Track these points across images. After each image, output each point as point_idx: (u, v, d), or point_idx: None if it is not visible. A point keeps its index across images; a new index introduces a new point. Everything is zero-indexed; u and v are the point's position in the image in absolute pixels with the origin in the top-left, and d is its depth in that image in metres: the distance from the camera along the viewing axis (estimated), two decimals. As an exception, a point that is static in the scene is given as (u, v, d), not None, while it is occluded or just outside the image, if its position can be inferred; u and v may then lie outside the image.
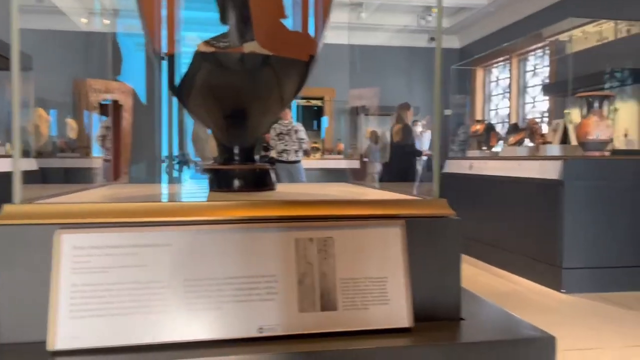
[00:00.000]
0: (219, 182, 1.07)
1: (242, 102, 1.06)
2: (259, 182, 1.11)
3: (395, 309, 0.80)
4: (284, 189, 1.17)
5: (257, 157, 1.14)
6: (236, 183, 1.07)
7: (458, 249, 0.86)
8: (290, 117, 7.06)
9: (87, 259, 0.73)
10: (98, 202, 0.81)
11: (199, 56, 0.97)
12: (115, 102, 8.20)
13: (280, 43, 0.99)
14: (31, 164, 5.93)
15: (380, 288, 0.80)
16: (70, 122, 7.45)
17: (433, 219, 0.86)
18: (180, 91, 1.05)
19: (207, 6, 1.04)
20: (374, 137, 8.25)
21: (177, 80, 1.04)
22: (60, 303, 0.71)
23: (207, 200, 0.83)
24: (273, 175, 1.14)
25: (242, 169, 1.09)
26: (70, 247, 0.73)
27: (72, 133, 7.44)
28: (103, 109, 8.17)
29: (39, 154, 6.45)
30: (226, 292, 0.75)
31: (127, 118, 8.58)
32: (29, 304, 0.73)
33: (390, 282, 0.81)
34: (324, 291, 0.79)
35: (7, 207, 0.75)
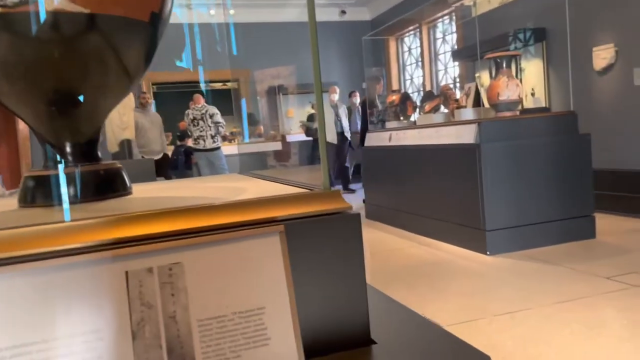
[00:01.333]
0: (42, 194, 0.79)
1: (65, 81, 0.78)
2: (106, 187, 0.84)
3: (279, 349, 0.58)
4: (143, 192, 0.90)
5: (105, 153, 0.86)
6: (69, 192, 0.79)
7: (360, 253, 0.65)
8: (203, 101, 6.65)
9: None
10: None
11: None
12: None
13: (101, -4, 0.72)
14: None
15: (257, 324, 0.58)
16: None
17: (323, 217, 0.64)
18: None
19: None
20: (305, 129, 8.13)
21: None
22: None
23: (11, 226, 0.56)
24: (125, 176, 0.87)
25: (81, 171, 0.81)
26: None
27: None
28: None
29: None
30: (15, 368, 0.49)
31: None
32: None
33: (270, 313, 0.58)
34: (174, 342, 0.55)
35: None
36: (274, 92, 9.52)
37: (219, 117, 6.61)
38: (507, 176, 3.54)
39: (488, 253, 3.50)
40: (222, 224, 0.60)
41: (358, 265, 0.64)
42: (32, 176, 0.81)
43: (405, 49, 9.10)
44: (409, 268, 3.42)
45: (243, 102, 9.81)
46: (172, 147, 7.83)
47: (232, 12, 8.77)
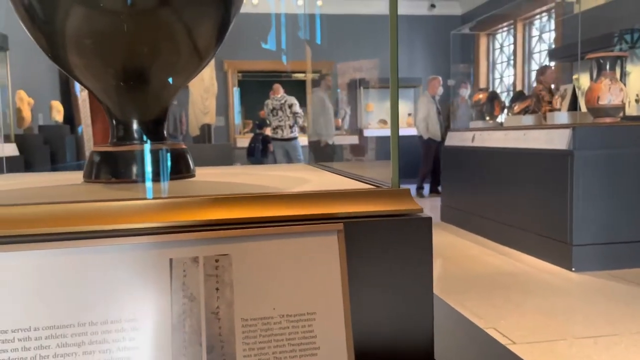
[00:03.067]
0: (106, 169, 0.78)
1: (135, 56, 0.76)
2: (170, 167, 0.81)
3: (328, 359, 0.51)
4: (207, 176, 0.88)
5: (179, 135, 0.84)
6: (134, 170, 0.78)
7: (428, 262, 0.57)
8: (283, 92, 6.74)
9: None
10: None
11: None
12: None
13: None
14: (13, 150, 5.67)
15: (306, 330, 0.52)
16: (55, 104, 7.14)
17: (388, 218, 0.57)
18: (45, 44, 0.76)
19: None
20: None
21: (39, 28, 0.74)
22: None
23: (48, 202, 0.54)
24: (190, 158, 0.85)
25: (142, 151, 0.80)
26: None
27: (57, 116, 7.13)
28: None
29: (20, 138, 6.18)
30: (49, 350, 0.47)
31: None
32: None
33: (322, 319, 0.52)
34: (215, 341, 0.50)
35: None
36: (355, 85, 9.45)
37: (297, 108, 6.67)
38: (601, 187, 3.24)
39: (573, 269, 3.23)
40: (276, 216, 0.55)
41: (425, 276, 0.56)
42: (98, 151, 0.80)
43: (497, 46, 8.66)
44: (483, 277, 3.24)
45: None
46: (250, 135, 8.02)
47: (319, 2, 8.79)
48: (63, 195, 0.67)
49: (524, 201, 3.73)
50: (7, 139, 5.78)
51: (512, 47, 8.02)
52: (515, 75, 7.89)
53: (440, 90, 6.76)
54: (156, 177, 0.78)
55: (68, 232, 0.51)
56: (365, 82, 9.48)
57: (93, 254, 0.49)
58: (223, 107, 8.84)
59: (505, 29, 8.20)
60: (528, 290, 2.94)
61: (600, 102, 3.56)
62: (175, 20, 0.75)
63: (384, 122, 9.51)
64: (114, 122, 0.82)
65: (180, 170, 0.83)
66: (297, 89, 9.08)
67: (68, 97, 7.82)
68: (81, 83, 0.81)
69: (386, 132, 7.54)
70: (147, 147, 0.81)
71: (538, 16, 7.49)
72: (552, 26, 7.20)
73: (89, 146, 7.96)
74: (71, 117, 7.69)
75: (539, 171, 3.56)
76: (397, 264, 0.56)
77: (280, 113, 6.65)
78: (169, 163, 0.80)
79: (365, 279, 0.55)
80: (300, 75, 9.72)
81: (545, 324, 2.40)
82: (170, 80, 0.82)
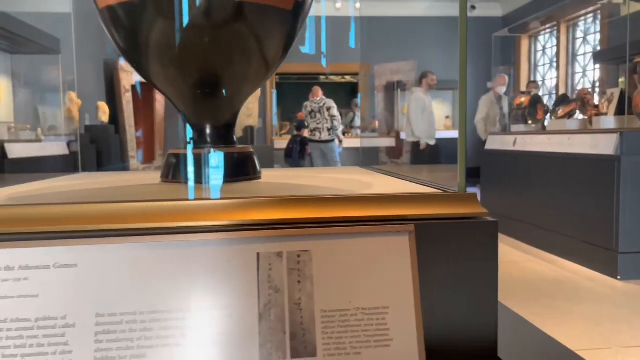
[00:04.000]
0: (182, 171, 0.84)
1: (210, 66, 0.82)
2: (238, 170, 0.87)
3: (400, 352, 0.55)
4: (271, 178, 0.93)
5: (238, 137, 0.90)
6: (205, 172, 0.84)
7: (493, 263, 0.60)
8: (322, 94, 6.80)
9: (-43, 288, 0.52)
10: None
11: (143, 5, 0.74)
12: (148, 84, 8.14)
13: (252, -16, 0.74)
14: (63, 149, 5.93)
15: (379, 323, 0.56)
16: (101, 105, 7.42)
17: (456, 221, 0.60)
18: (130, 56, 0.83)
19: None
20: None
21: (125, 42, 0.81)
22: None
23: (142, 200, 0.60)
24: (256, 161, 0.90)
25: (216, 153, 0.86)
26: None
27: (103, 116, 7.41)
28: (135, 91, 8.13)
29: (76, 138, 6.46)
30: (154, 332, 0.53)
31: (160, 100, 8.53)
32: None
33: (394, 313, 0.56)
34: (297, 329, 0.55)
35: None
36: (392, 88, 9.42)
37: (335, 111, 6.72)
38: (649, 194, 3.15)
39: (619, 278, 3.15)
40: (351, 216, 0.59)
41: (491, 275, 0.60)
42: (175, 154, 0.87)
43: (539, 48, 8.48)
44: (525, 284, 3.20)
45: (359, 96, 9.84)
46: (287, 137, 8.11)
47: (357, 5, 8.81)
48: (151, 194, 0.74)
49: (568, 207, 3.67)
50: (61, 138, 6.05)
51: (554, 49, 7.85)
52: (558, 77, 7.71)
53: (503, 89, 6.39)
54: (229, 179, 0.84)
55: (165, 228, 0.57)
56: (403, 85, 9.44)
57: (189, 248, 0.55)
58: (261, 109, 8.98)
59: (548, 30, 8.03)
60: (572, 298, 2.89)
61: (650, 107, 3.46)
62: (248, 33, 0.80)
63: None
64: (189, 126, 0.88)
65: (249, 172, 0.88)
66: (336, 91, 9.13)
67: (113, 99, 8.11)
68: (160, 90, 0.88)
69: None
70: (218, 153, 0.86)
71: (583, 18, 7.30)
72: (597, 28, 7.01)
73: (131, 146, 8.23)
74: (116, 118, 7.97)
75: (584, 177, 3.49)
76: (464, 265, 0.60)
77: (318, 115, 6.72)
78: (240, 165, 0.86)
79: (434, 277, 0.59)
80: (335, 78, 9.77)
81: (590, 332, 2.36)
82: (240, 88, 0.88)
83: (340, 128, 6.91)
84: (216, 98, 0.86)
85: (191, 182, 0.80)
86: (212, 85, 0.84)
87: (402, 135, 8.88)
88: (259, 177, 0.90)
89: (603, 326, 2.46)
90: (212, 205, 0.60)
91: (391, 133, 9.16)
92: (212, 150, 0.83)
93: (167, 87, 0.86)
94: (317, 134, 6.76)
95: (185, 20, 0.76)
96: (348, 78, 9.88)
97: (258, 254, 0.56)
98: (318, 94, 6.73)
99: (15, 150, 4.90)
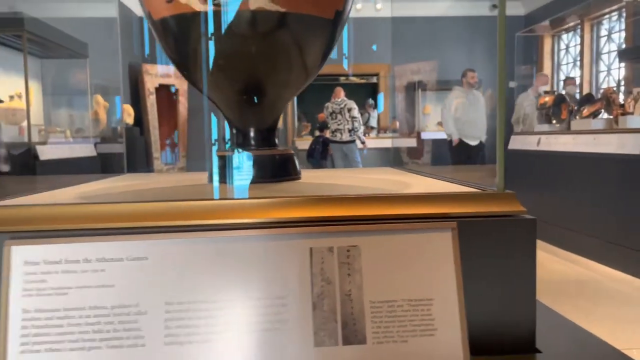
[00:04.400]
0: (229, 172, 0.89)
1: (255, 73, 0.87)
2: (280, 170, 0.92)
3: (444, 341, 0.59)
4: (310, 179, 0.97)
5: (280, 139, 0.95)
6: (254, 172, 0.89)
7: (532, 259, 0.64)
8: (343, 95, 6.84)
9: (41, 277, 0.57)
10: (62, 203, 0.65)
11: (194, 18, 0.79)
12: (171, 87, 8.30)
13: (296, -4, 0.79)
14: (90, 150, 6.09)
15: (425, 314, 0.60)
16: (127, 108, 7.58)
17: (497, 219, 0.64)
18: (180, 63, 0.88)
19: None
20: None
21: (175, 50, 0.86)
22: (10, 333, 0.56)
23: (202, 199, 0.65)
24: (296, 161, 0.95)
25: (259, 155, 0.90)
26: (21, 261, 0.57)
27: (128, 119, 7.57)
28: (159, 93, 8.28)
29: (102, 140, 6.61)
30: (217, 319, 0.58)
31: (183, 102, 8.67)
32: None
33: (438, 305, 0.60)
34: (348, 318, 0.59)
35: (-52, 212, 0.61)
36: (412, 88, 9.41)
37: (355, 112, 6.74)
38: (677, 194, 3.12)
39: (646, 278, 3.13)
40: (397, 214, 0.63)
41: (529, 270, 0.63)
42: (221, 156, 0.92)
43: (562, 46, 8.38)
44: (550, 284, 3.19)
45: (380, 96, 9.85)
46: (308, 138, 8.17)
47: (378, 6, 8.82)
48: (209, 194, 0.79)
49: (592, 207, 3.64)
50: (88, 140, 6.20)
51: (578, 47, 7.75)
52: (582, 76, 7.62)
53: (544, 89, 6.01)
54: (273, 179, 0.88)
55: (226, 224, 0.62)
56: (423, 85, 9.41)
57: (247, 242, 0.60)
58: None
59: (572, 29, 7.93)
60: (597, 299, 2.88)
61: (678, 106, 3.42)
62: (291, 42, 0.85)
63: (441, 124, 9.42)
64: (234, 130, 0.93)
65: (290, 172, 0.93)
66: (356, 91, 9.15)
67: (138, 101, 8.27)
68: (208, 97, 0.93)
69: (444, 134, 7.34)
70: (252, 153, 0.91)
71: (607, 16, 7.19)
72: (622, 26, 6.90)
73: (155, 147, 8.38)
74: (140, 119, 8.13)
75: (610, 176, 3.46)
76: (504, 260, 0.63)
77: (339, 116, 6.75)
78: (282, 166, 0.90)
79: (475, 271, 0.63)
80: (355, 79, 9.79)
81: (614, 332, 2.35)
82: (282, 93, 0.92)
83: (361, 129, 6.93)
84: (260, 103, 0.91)
85: (245, 181, 0.85)
86: (256, 91, 0.89)
87: (423, 135, 8.87)
88: (299, 178, 0.95)
89: (627, 327, 2.45)
90: (266, 204, 0.65)
91: (412, 133, 9.14)
92: (261, 152, 0.88)
93: (214, 93, 0.92)
94: (338, 134, 6.80)
95: (233, 31, 0.81)
96: (369, 79, 9.89)
97: (311, 248, 0.60)
98: (340, 95, 6.77)
99: (46, 152, 5.05)
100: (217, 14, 0.79)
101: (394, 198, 0.66)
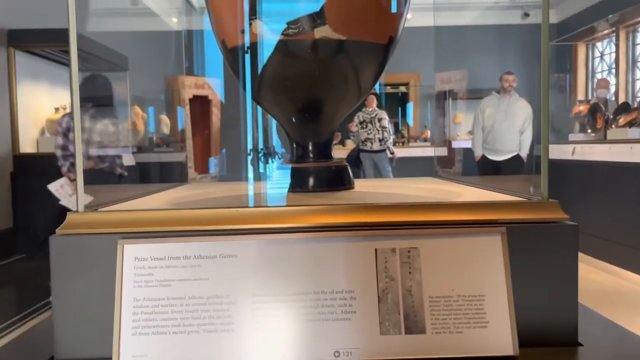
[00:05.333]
0: (293, 182, 0.99)
1: (315, 93, 0.97)
2: (336, 180, 1.01)
3: (495, 333, 0.67)
4: (363, 188, 1.06)
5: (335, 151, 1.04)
6: (311, 182, 0.98)
7: (574, 261, 0.71)
8: (375, 105, 6.92)
9: (149, 271, 0.68)
10: (163, 208, 0.76)
11: (262, 45, 0.89)
12: (205, 97, 8.54)
13: (355, 26, 0.88)
14: (130, 160, 6.33)
15: (477, 308, 0.68)
16: (164, 118, 7.83)
17: (542, 225, 0.71)
18: (247, 85, 0.98)
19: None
20: None
21: (246, 73, 0.97)
22: (123, 319, 0.66)
23: (281, 205, 0.75)
24: (350, 172, 1.04)
25: (317, 167, 1.00)
26: (132, 258, 0.68)
27: (165, 129, 7.82)
28: (193, 104, 8.53)
29: (139, 149, 6.86)
30: (298, 309, 0.67)
31: (215, 113, 8.90)
32: (89, 319, 0.70)
33: (490, 301, 0.68)
34: (409, 311, 0.68)
35: (70, 216, 0.72)
36: (442, 97, 9.41)
37: (385, 122, 6.81)
38: None
39: (686, 290, 3.09)
40: (452, 220, 0.71)
41: (572, 272, 0.70)
42: (295, 168, 1.01)
43: (597, 54, 8.27)
44: (586, 294, 3.17)
45: (409, 105, 9.89)
46: (339, 147, 8.27)
47: (409, 16, 8.89)
48: (282, 200, 0.89)
49: (630, 217, 3.61)
50: (127, 150, 6.43)
51: (613, 55, 7.64)
52: (617, 85, 7.50)
53: (606, 93, 5.46)
54: (330, 188, 0.97)
55: (301, 227, 0.71)
56: (454, 94, 9.40)
57: (321, 243, 0.69)
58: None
59: (607, 36, 7.83)
60: (635, 310, 2.87)
61: None
62: (349, 66, 0.94)
63: (472, 133, 9.39)
64: (294, 144, 1.02)
65: (345, 182, 1.02)
66: (389, 101, 9.21)
67: (173, 112, 8.54)
68: (269, 113, 1.03)
69: (474, 144, 7.25)
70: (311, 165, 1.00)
71: (644, 22, 7.08)
72: (660, 33, 6.78)
73: (189, 157, 8.62)
74: (176, 130, 8.38)
75: (647, 186, 3.43)
76: (548, 262, 0.71)
77: (369, 126, 6.84)
78: (338, 177, 0.99)
79: (523, 272, 0.70)
80: (387, 88, 9.85)
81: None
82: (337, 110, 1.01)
83: (391, 139, 6.98)
84: (318, 120, 1.00)
85: (307, 190, 0.95)
86: (315, 109, 0.99)
87: (454, 145, 8.85)
88: (353, 187, 1.04)
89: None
90: (335, 209, 0.74)
91: (442, 142, 9.13)
92: (320, 164, 0.97)
93: (277, 111, 1.02)
94: (369, 144, 6.87)
95: (299, 56, 0.91)
96: (399, 88, 9.94)
97: (376, 249, 0.69)
98: (372, 104, 6.85)
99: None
100: (285, 42, 0.89)
101: (449, 205, 0.74)
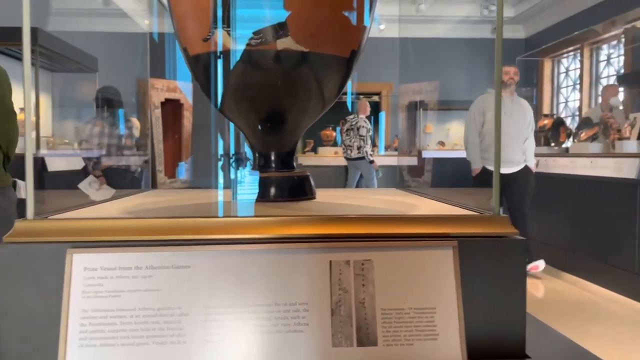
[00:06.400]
0: (259, 190, 0.99)
1: (278, 104, 0.97)
2: (298, 190, 1.01)
3: (445, 345, 0.68)
4: (324, 198, 1.07)
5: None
6: (272, 192, 0.98)
7: (522, 274, 0.73)
8: (368, 112, 6.97)
9: (99, 282, 0.66)
10: (115, 217, 0.74)
11: (227, 55, 0.89)
12: (177, 101, 8.44)
13: (317, 38, 0.89)
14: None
15: (428, 320, 0.69)
16: (134, 121, 7.71)
17: (492, 239, 0.73)
18: (211, 93, 0.98)
19: (246, 2, 0.95)
20: None
21: (207, 81, 0.96)
22: (70, 330, 0.65)
23: (235, 215, 0.75)
24: (313, 183, 1.04)
25: (279, 176, 1.00)
26: (81, 268, 0.67)
27: (136, 132, 7.69)
28: (164, 108, 8.42)
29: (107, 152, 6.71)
30: (251, 321, 0.67)
31: (187, 117, 8.81)
32: (35, 331, 0.68)
33: (440, 313, 0.69)
34: (362, 323, 0.68)
35: (18, 224, 0.70)
36: (414, 107, 9.56)
37: (363, 132, 6.87)
38: (672, 218, 3.21)
39: (641, 300, 3.20)
40: (406, 233, 0.73)
41: (520, 285, 0.72)
42: (263, 177, 1.01)
43: (562, 69, 8.54)
44: (546, 304, 3.26)
45: (381, 115, 10.00)
46: (311, 154, 8.30)
47: (382, 27, 9.02)
48: (234, 211, 0.88)
49: (590, 229, 3.72)
50: (93, 152, 6.29)
51: (578, 71, 7.90)
52: (581, 100, 7.76)
53: (616, 100, 4.97)
54: (291, 198, 0.98)
55: (256, 238, 0.71)
56: (425, 104, 9.55)
57: (275, 254, 0.69)
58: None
59: (572, 53, 8.10)
60: (592, 319, 2.95)
61: (673, 132, 3.52)
62: (311, 77, 0.95)
63: (442, 143, 9.56)
64: (257, 154, 1.02)
65: (306, 192, 1.02)
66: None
67: (143, 115, 8.41)
68: (233, 122, 1.03)
69: (444, 153, 7.40)
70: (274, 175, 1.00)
71: (606, 42, 7.36)
72: (622, 51, 7.06)
73: (159, 161, 8.50)
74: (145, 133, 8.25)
75: (606, 199, 3.55)
76: (498, 275, 0.72)
77: (351, 133, 6.90)
78: (300, 187, 1.00)
79: (473, 285, 0.72)
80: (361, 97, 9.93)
81: (610, 353, 2.42)
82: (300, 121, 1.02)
83: (367, 147, 7.02)
84: (281, 129, 1.00)
85: (267, 200, 0.95)
86: (278, 119, 0.99)
87: (424, 154, 8.98)
88: (315, 197, 1.04)
89: (623, 349, 2.52)
90: (291, 221, 0.74)
91: (412, 152, 9.26)
92: (281, 173, 0.97)
93: (239, 120, 1.02)
94: (348, 151, 6.94)
95: (261, 66, 0.91)
96: (374, 97, 10.04)
97: (330, 261, 0.70)
98: (366, 111, 6.89)
99: (55, 164, 5.14)
100: (248, 52, 0.89)
101: (403, 218, 0.75)
